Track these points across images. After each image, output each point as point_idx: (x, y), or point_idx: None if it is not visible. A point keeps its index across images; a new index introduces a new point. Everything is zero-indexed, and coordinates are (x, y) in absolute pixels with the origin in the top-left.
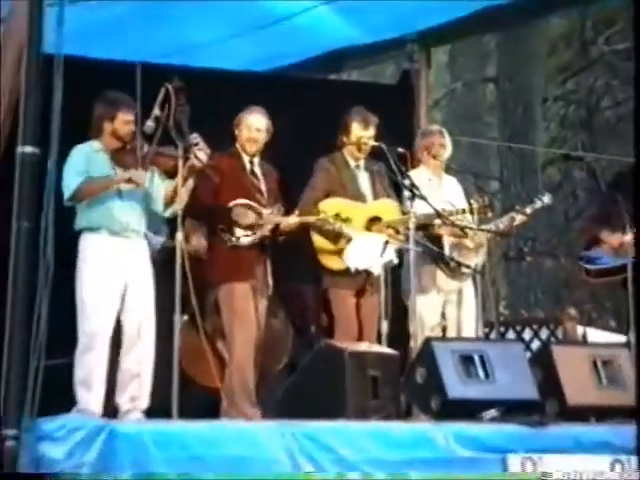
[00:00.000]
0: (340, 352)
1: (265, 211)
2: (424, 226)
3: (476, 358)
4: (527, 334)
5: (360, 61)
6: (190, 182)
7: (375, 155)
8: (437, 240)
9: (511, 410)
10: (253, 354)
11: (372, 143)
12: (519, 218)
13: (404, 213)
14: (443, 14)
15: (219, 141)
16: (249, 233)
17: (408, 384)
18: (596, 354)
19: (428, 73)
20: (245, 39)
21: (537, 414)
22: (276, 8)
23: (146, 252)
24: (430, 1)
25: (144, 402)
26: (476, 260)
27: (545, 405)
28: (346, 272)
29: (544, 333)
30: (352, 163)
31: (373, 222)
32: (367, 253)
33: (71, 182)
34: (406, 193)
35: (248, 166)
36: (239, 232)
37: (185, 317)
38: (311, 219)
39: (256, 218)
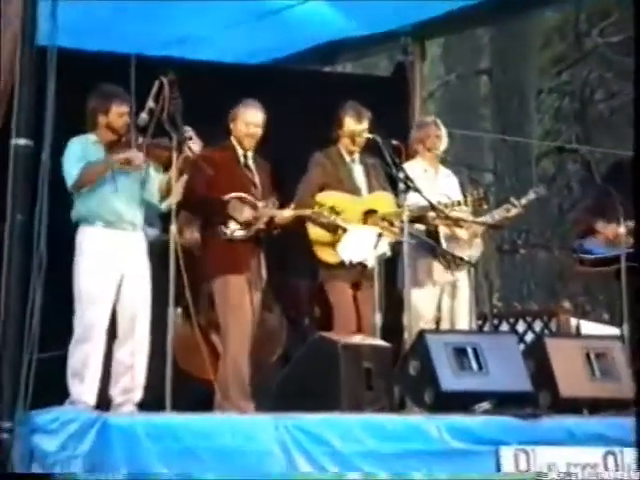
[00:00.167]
0: (334, 344)
1: (260, 204)
2: (419, 218)
3: (469, 350)
4: (521, 326)
5: (354, 53)
6: (184, 176)
7: (370, 148)
8: (434, 232)
9: (504, 402)
10: (247, 347)
11: (366, 135)
12: (513, 210)
13: (400, 206)
14: (437, 7)
15: (212, 134)
16: (244, 226)
17: (401, 376)
18: (589, 346)
19: (422, 65)
20: (239, 31)
21: (530, 406)
22: (270, 0)
23: (143, 244)
24: None
25: (137, 394)
26: (471, 252)
27: (538, 397)
28: (342, 265)
29: (538, 325)
30: (347, 157)
31: (368, 215)
32: (361, 246)
33: (72, 169)
34: (401, 186)
35: (242, 159)
36: (234, 225)
37: (179, 310)
38: (306, 212)
39: (251, 211)
